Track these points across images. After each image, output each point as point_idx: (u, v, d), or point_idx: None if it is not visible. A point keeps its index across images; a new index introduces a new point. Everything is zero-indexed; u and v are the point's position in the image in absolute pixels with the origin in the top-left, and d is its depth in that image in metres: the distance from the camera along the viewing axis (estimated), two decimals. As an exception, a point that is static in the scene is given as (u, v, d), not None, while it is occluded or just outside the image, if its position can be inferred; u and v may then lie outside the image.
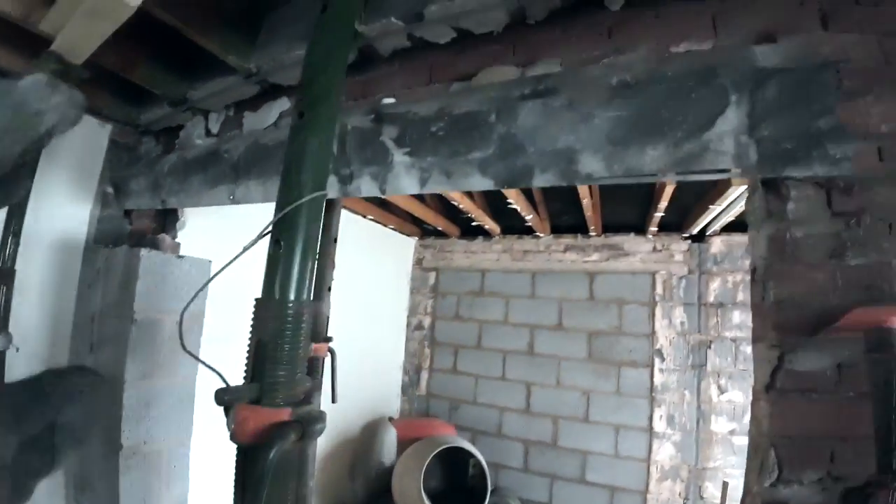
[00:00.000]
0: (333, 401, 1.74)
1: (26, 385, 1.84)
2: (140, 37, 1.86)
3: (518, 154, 1.11)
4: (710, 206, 2.83)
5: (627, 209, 3.73)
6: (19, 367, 1.97)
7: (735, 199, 2.67)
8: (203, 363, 0.80)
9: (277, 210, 0.75)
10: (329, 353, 1.69)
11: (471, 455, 3.66)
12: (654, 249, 3.84)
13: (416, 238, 4.93)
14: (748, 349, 3.49)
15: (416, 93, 1.46)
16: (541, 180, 1.09)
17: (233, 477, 0.74)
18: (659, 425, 3.71)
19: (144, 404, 1.97)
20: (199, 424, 2.18)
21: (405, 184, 1.29)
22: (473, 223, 4.07)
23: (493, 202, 3.83)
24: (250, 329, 0.77)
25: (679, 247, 3.77)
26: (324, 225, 1.81)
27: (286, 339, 0.74)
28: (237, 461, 0.75)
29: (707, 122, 1.00)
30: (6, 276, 1.66)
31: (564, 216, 3.97)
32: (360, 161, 1.38)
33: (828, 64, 1.08)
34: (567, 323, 4.16)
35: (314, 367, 1.68)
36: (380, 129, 1.34)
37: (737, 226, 3.44)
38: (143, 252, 1.97)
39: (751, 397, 3.36)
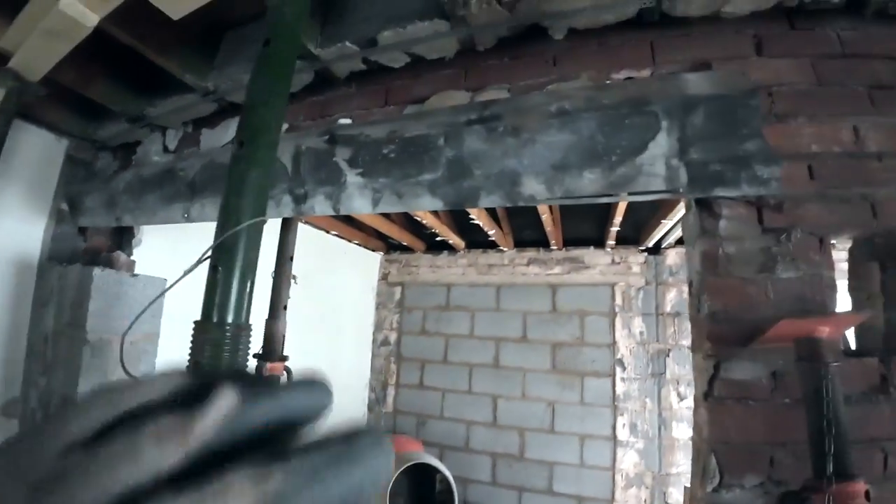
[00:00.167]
0: (291, 420, 1.72)
1: None
2: (98, 54, 1.86)
3: (465, 177, 1.15)
4: (663, 221, 2.95)
5: (587, 224, 3.85)
6: None
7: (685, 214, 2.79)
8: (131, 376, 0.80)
9: (217, 236, 0.76)
10: (285, 373, 1.68)
11: (437, 470, 3.65)
12: (613, 262, 3.96)
13: (382, 253, 4.93)
14: (705, 357, 3.62)
15: (372, 114, 1.50)
16: (487, 201, 1.14)
17: None
18: (622, 433, 3.78)
19: (97, 429, 1.91)
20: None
21: (358, 204, 1.32)
22: (438, 238, 4.11)
23: (458, 217, 3.89)
24: (189, 352, 0.78)
25: (636, 259, 3.90)
26: (279, 244, 1.82)
27: (224, 361, 0.75)
28: None
29: (640, 147, 1.07)
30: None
31: (527, 230, 4.06)
32: (314, 181, 1.40)
33: (758, 89, 1.16)
34: (531, 335, 4.23)
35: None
36: (333, 151, 1.37)
37: (691, 239, 3.57)
38: (97, 271, 1.93)
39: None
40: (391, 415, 4.68)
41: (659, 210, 3.04)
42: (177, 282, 0.82)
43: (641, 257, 3.89)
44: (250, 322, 0.79)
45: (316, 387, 0.27)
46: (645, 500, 3.68)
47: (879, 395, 1.09)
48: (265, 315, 1.78)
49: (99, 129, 2.31)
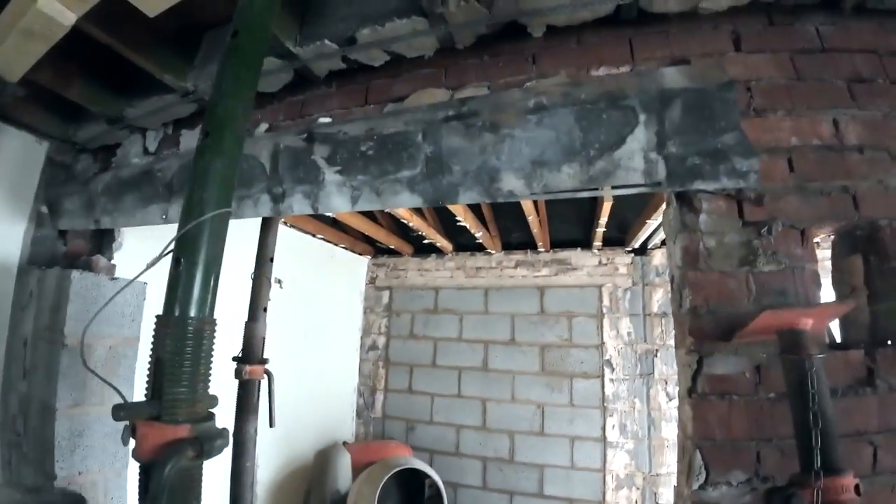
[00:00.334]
0: (271, 425, 1.69)
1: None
2: (76, 55, 1.84)
3: (444, 173, 1.14)
4: (648, 221, 2.96)
5: (573, 225, 3.86)
6: None
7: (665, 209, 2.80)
8: (104, 380, 0.79)
9: (180, 228, 0.75)
10: (266, 376, 1.65)
11: (427, 475, 3.63)
12: (600, 263, 3.97)
13: (369, 257, 4.91)
14: (693, 357, 3.63)
15: (352, 113, 1.49)
16: (465, 198, 1.13)
17: (137, 497, 0.72)
18: (612, 434, 3.78)
19: (77, 433, 1.88)
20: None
21: (337, 202, 1.30)
22: (426, 241, 4.10)
23: (445, 220, 3.88)
24: (151, 347, 0.76)
25: (623, 260, 3.91)
26: (259, 244, 1.80)
27: (186, 355, 0.74)
28: (139, 479, 0.73)
29: (618, 141, 1.07)
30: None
31: (514, 233, 4.06)
32: (292, 180, 1.39)
33: (734, 82, 1.17)
34: (520, 337, 4.22)
35: (249, 390, 1.64)
36: (311, 149, 1.35)
37: (677, 239, 3.59)
38: (75, 274, 1.90)
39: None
40: (380, 420, 4.65)
41: (644, 210, 3.06)
42: (139, 275, 0.80)
43: (628, 258, 3.91)
44: (215, 317, 0.77)
45: None
46: (636, 501, 3.68)
47: (866, 387, 1.09)
48: (245, 317, 1.76)
49: (79, 131, 2.28)
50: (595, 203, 3.28)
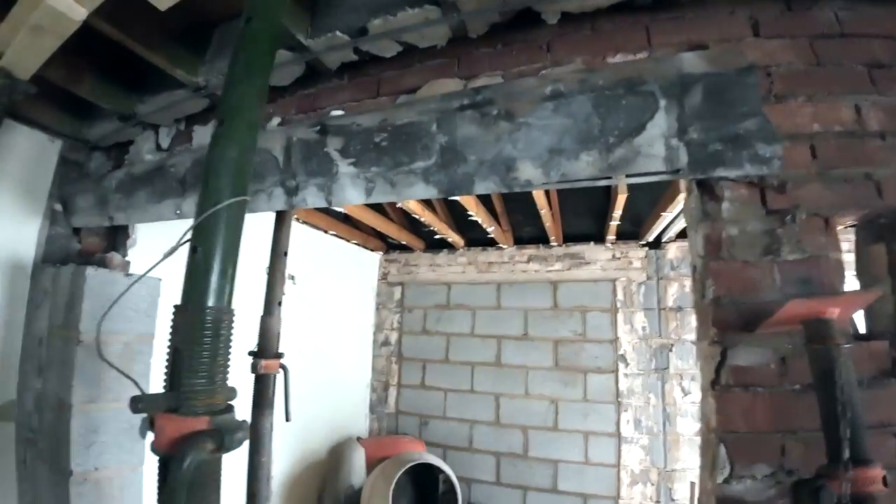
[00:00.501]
0: (287, 419, 1.69)
1: None
2: (87, 52, 1.84)
3: (459, 163, 1.12)
4: (662, 214, 2.91)
5: (586, 219, 3.82)
6: None
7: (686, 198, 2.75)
8: (122, 372, 0.78)
9: (196, 217, 0.74)
10: (281, 370, 1.65)
11: (441, 471, 3.62)
12: (614, 257, 3.93)
13: (381, 253, 4.91)
14: (708, 351, 3.59)
15: (363, 105, 1.47)
16: (481, 188, 1.11)
17: (155, 490, 0.71)
18: (626, 430, 3.75)
19: (93, 430, 1.89)
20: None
21: (351, 194, 1.29)
22: (437, 236, 4.08)
23: (456, 215, 3.86)
24: (168, 337, 0.75)
25: (637, 254, 3.87)
26: (273, 238, 1.79)
27: (204, 345, 0.73)
28: (158, 473, 0.72)
29: (638, 128, 1.04)
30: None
31: (526, 227, 4.03)
32: (305, 172, 1.37)
33: (755, 68, 1.13)
34: (533, 332, 4.20)
35: (265, 385, 1.64)
36: (324, 141, 1.34)
37: (691, 232, 3.55)
38: (90, 271, 1.91)
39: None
40: (393, 415, 4.65)
41: (658, 203, 3.01)
42: (155, 265, 0.79)
43: (642, 252, 3.86)
44: (233, 307, 0.76)
45: None
46: (651, 497, 3.65)
47: (891, 378, 1.06)
48: (261, 312, 1.75)
49: (91, 129, 2.29)
50: (608, 196, 3.25)
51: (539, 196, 2.75)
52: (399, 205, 2.96)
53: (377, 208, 3.63)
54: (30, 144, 2.18)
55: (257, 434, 1.53)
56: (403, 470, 3.37)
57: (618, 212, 2.94)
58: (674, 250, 3.78)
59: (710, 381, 1.15)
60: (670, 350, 3.72)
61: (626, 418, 3.76)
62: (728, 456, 1.09)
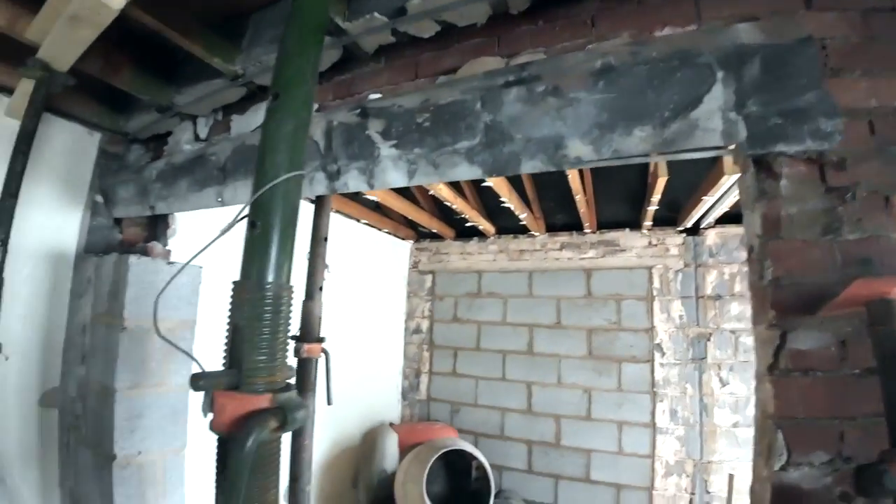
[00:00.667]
0: (329, 402, 1.70)
1: None
2: (124, 43, 1.86)
3: (505, 142, 1.09)
4: (704, 198, 2.82)
5: (621, 205, 3.73)
6: (11, 377, 1.95)
7: (728, 189, 2.66)
8: (179, 348, 0.78)
9: (253, 192, 0.73)
10: (323, 354, 1.66)
11: (473, 457, 3.62)
12: (650, 244, 3.84)
13: (412, 241, 4.91)
14: (748, 340, 3.49)
15: (401, 88, 1.45)
16: (528, 167, 1.08)
17: (214, 471, 0.71)
18: (662, 420, 3.69)
19: (137, 414, 1.93)
20: (194, 435, 2.15)
21: (393, 177, 1.27)
22: (468, 224, 4.06)
23: (487, 202, 3.82)
24: (228, 314, 0.75)
25: (674, 241, 3.77)
26: (313, 224, 1.79)
27: (264, 322, 0.72)
28: (217, 453, 0.72)
29: (694, 101, 0.99)
30: (-5, 285, 1.63)
31: (559, 214, 3.97)
32: (346, 156, 1.36)
33: (812, 39, 1.07)
34: (566, 321, 4.15)
35: (307, 368, 1.65)
36: (365, 124, 1.33)
37: (731, 218, 3.44)
38: (133, 259, 1.94)
39: (753, 388, 3.33)
40: (425, 402, 4.68)
41: (699, 186, 2.92)
42: (212, 242, 0.79)
43: (679, 238, 3.76)
44: (291, 283, 0.75)
45: None
46: (685, 489, 3.58)
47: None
48: (301, 297, 1.76)
49: (129, 122, 2.32)
50: (645, 181, 3.16)
51: (574, 181, 2.69)
52: (431, 192, 2.94)
53: (408, 196, 3.62)
54: (70, 137, 2.23)
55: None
56: (437, 455, 3.38)
57: (656, 196, 2.85)
58: (713, 236, 3.67)
59: (768, 366, 1.10)
60: (708, 339, 3.63)
61: (661, 409, 3.70)
62: (785, 443, 1.05)
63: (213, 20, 1.74)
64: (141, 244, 2.31)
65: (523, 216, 3.53)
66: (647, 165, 3.04)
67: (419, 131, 1.20)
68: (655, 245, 3.82)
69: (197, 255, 0.81)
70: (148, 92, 2.02)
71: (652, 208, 3.15)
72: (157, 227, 2.47)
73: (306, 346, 1.62)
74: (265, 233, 0.72)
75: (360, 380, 3.98)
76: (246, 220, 0.73)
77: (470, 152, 1.12)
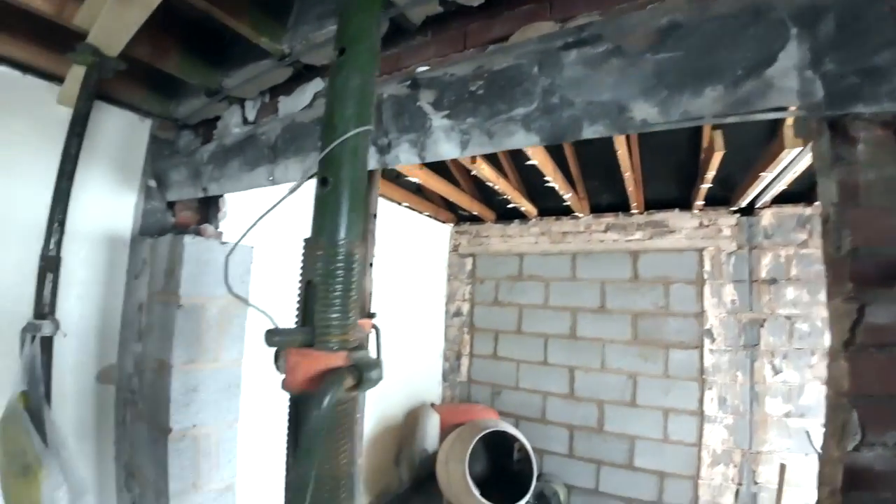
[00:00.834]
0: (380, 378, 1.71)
1: None
2: (171, 27, 1.88)
3: (564, 107, 1.05)
4: (762, 174, 2.68)
5: (670, 184, 3.60)
6: (69, 355, 2.04)
7: (788, 165, 2.52)
8: (251, 305, 0.78)
9: (322, 148, 0.72)
10: (374, 329, 1.66)
11: (515, 439, 3.62)
12: (701, 225, 3.69)
13: (452, 224, 4.91)
14: (803, 326, 3.33)
15: (450, 59, 1.42)
16: (590, 132, 1.04)
17: (285, 432, 0.71)
18: (710, 408, 3.59)
19: (192, 388, 2.00)
20: (245, 410, 2.22)
21: (445, 149, 1.25)
22: (510, 206, 4.00)
23: (529, 183, 3.76)
24: (300, 272, 0.74)
25: (727, 221, 3.61)
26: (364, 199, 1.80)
27: (337, 279, 0.71)
28: (289, 413, 0.71)
29: (768, 59, 0.93)
30: (53, 264, 1.69)
31: (604, 194, 3.87)
32: (397, 129, 1.35)
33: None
34: (610, 305, 4.07)
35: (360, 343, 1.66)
36: (416, 95, 1.31)
37: (787, 197, 3.27)
38: (188, 239, 2.00)
39: (807, 376, 3.18)
40: (466, 384, 4.71)
41: (756, 162, 2.78)
42: (283, 199, 0.79)
43: (733, 219, 3.60)
44: (363, 240, 0.74)
45: None
46: (732, 478, 3.48)
47: None
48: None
49: (179, 107, 2.37)
50: (697, 157, 3.04)
51: (623, 158, 2.60)
52: (473, 172, 2.90)
53: (449, 178, 3.59)
54: (122, 124, 2.30)
55: (351, 392, 1.56)
56: (481, 435, 3.38)
57: (711, 172, 2.72)
58: (768, 216, 3.49)
59: (844, 342, 1.04)
60: (762, 325, 3.48)
61: (710, 396, 3.59)
62: (860, 422, 0.99)
63: (258, -1, 1.75)
64: (193, 226, 2.38)
65: (567, 196, 3.45)
66: (699, 141, 2.92)
67: (472, 100, 1.17)
68: (707, 226, 3.67)
69: (263, 216, 0.81)
70: (196, 76, 2.05)
71: (705, 186, 3.02)
72: (208, 209, 2.54)
73: (358, 321, 1.63)
74: (336, 189, 0.71)
75: (402, 360, 4.03)
76: (307, 184, 0.73)
77: (527, 119, 1.09)
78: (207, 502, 2.05)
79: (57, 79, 1.99)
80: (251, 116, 2.14)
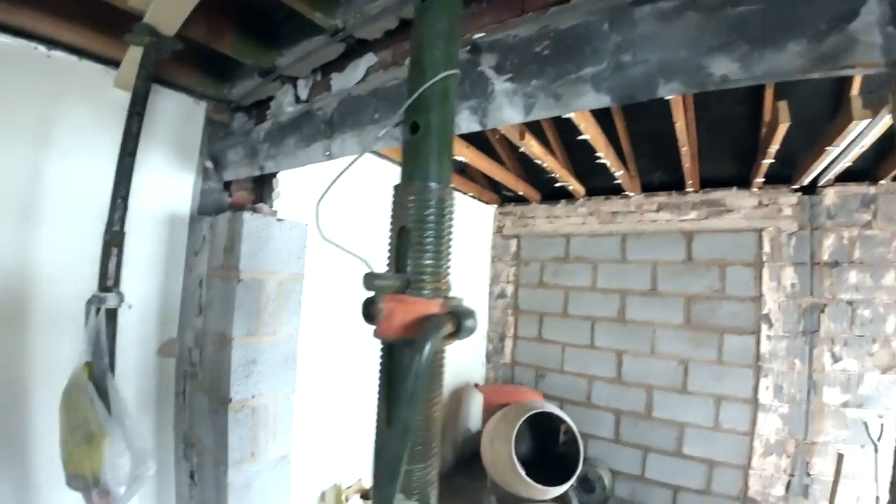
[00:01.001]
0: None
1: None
2: (225, 8, 1.90)
3: (637, 65, 1.01)
4: (827, 149, 2.53)
5: (728, 160, 3.44)
6: (132, 329, 2.15)
7: (856, 138, 2.37)
8: (340, 247, 0.78)
9: (409, 93, 0.71)
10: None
11: (561, 422, 3.59)
12: (760, 204, 3.51)
13: (496, 205, 4.87)
14: (865, 312, 3.16)
15: (508, 24, 1.38)
16: (665, 90, 0.99)
17: (377, 381, 0.70)
18: (765, 396, 3.46)
19: (251, 360, 2.06)
20: (301, 382, 2.28)
21: (508, 114, 1.22)
22: (556, 185, 3.92)
23: (577, 161, 3.66)
24: (391, 219, 0.74)
25: (787, 200, 3.43)
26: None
27: (430, 224, 0.70)
28: (382, 362, 0.71)
29: (850, 13, 0.86)
30: (117, 239, 1.75)
31: (656, 172, 3.74)
32: (457, 96, 1.33)
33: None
34: (662, 287, 3.96)
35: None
36: (477, 60, 1.28)
37: (851, 175, 3.08)
38: (247, 215, 2.05)
39: (867, 365, 3.01)
40: (509, 366, 4.70)
41: (819, 137, 2.63)
42: (354, 161, 0.79)
43: (794, 198, 3.41)
44: (452, 185, 0.73)
45: None
46: (784, 469, 3.35)
47: None
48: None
49: (233, 89, 2.42)
50: (757, 131, 2.89)
51: (681, 130, 2.50)
52: (522, 149, 2.85)
53: (494, 157, 3.55)
54: (178, 107, 2.36)
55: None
56: (528, 416, 3.37)
57: (774, 146, 2.57)
58: (831, 195, 3.30)
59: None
60: (822, 311, 3.31)
61: (765, 384, 3.46)
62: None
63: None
64: (249, 205, 2.44)
65: (619, 174, 3.35)
66: (759, 114, 2.78)
67: (537, 61, 1.14)
68: (766, 205, 3.49)
69: (343, 171, 0.81)
70: (251, 55, 2.08)
71: (767, 161, 2.86)
72: (262, 189, 2.61)
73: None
74: (426, 134, 0.70)
75: (447, 340, 4.05)
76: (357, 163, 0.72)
77: (597, 78, 1.05)
78: (264, 471, 2.12)
79: (112, 63, 2.04)
80: (304, 95, 2.16)
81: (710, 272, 3.74)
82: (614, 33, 1.03)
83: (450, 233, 0.74)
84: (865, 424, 3.05)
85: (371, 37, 1.77)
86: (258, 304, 2.07)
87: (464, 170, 3.97)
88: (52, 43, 1.91)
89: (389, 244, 0.73)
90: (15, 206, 1.84)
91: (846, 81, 2.27)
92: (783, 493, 3.35)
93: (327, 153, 1.76)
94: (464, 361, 4.48)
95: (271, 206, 2.54)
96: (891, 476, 1.05)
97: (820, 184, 3.27)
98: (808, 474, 3.28)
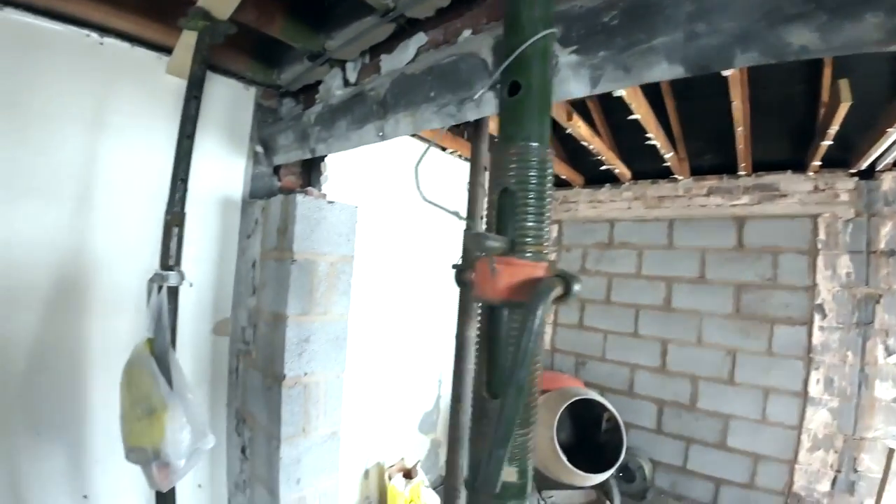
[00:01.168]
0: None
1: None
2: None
3: (712, 34, 0.98)
4: (888, 130, 2.40)
5: (782, 142, 3.30)
6: (189, 307, 2.22)
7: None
8: (442, 207, 0.78)
9: (507, 53, 0.71)
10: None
11: (604, 409, 3.55)
12: (816, 189, 3.36)
13: (535, 192, 4.81)
14: (924, 306, 3.00)
15: (558, 2, 1.36)
16: (742, 60, 0.96)
17: (476, 344, 0.71)
18: (815, 389, 3.33)
19: (304, 339, 2.12)
20: (350, 361, 2.33)
21: (573, 87, 1.20)
22: (601, 168, 3.85)
23: (623, 143, 3.58)
24: (490, 181, 0.73)
25: (845, 185, 3.26)
26: (472, 151, 1.79)
27: (531, 186, 0.70)
28: (483, 324, 0.71)
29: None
30: (178, 218, 1.81)
31: (706, 155, 3.61)
32: (518, 72, 1.32)
33: None
34: (710, 275, 3.85)
35: (468, 296, 1.68)
36: (540, 34, 1.27)
37: (911, 159, 2.92)
38: (300, 198, 2.10)
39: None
40: (549, 353, 4.66)
41: (880, 118, 2.49)
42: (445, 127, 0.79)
43: (851, 182, 3.24)
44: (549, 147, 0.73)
45: None
46: (831, 465, 3.23)
47: None
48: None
49: (282, 74, 2.45)
50: (814, 111, 2.77)
51: (737, 110, 2.42)
52: (568, 130, 2.81)
53: (583, 96, 3.49)
54: (228, 92, 2.42)
55: (462, 342, 1.58)
56: (570, 402, 3.36)
57: (834, 127, 2.45)
58: (889, 181, 3.12)
59: None
60: (877, 302, 3.15)
61: (815, 377, 3.33)
62: None
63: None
64: (299, 189, 2.49)
65: (668, 156, 3.25)
66: (816, 94, 2.67)
67: (605, 32, 1.11)
68: (823, 190, 3.33)
69: (427, 150, 0.81)
70: (300, 39, 2.09)
71: (825, 143, 2.73)
72: (310, 173, 2.66)
73: (470, 273, 1.65)
74: (527, 95, 0.69)
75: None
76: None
77: (669, 48, 1.02)
78: (315, 446, 2.18)
79: (164, 50, 2.09)
80: (352, 78, 2.18)
81: (762, 260, 3.61)
82: (688, 2, 1.00)
83: (551, 195, 0.73)
84: (918, 421, 2.92)
85: (423, 15, 1.77)
86: (311, 285, 2.12)
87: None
88: (104, 30, 1.96)
89: (488, 207, 0.73)
90: (73, 190, 1.92)
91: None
92: (828, 490, 3.24)
93: (380, 133, 1.78)
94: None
95: (320, 190, 2.59)
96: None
97: (878, 168, 3.11)
98: (856, 470, 3.16)
